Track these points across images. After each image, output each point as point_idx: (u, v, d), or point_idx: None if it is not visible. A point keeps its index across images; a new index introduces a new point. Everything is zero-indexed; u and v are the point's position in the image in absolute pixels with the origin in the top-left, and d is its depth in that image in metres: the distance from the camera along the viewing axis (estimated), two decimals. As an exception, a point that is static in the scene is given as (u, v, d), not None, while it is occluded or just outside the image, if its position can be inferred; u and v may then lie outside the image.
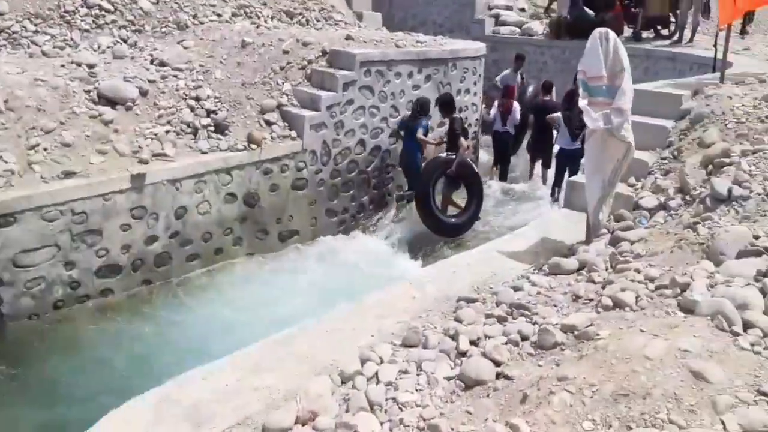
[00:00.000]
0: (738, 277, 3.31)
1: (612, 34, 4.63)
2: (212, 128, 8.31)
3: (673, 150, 5.74)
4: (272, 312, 6.63)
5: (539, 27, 16.36)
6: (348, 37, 9.95)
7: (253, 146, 8.12)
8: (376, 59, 9.23)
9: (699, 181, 4.98)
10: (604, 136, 4.66)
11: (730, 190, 4.37)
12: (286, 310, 6.55)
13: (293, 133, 8.61)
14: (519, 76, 12.53)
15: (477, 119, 11.40)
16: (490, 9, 17.38)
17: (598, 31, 4.64)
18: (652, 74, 12.67)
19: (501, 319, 3.67)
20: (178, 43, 10.37)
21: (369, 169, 9.60)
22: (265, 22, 12.05)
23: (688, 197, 4.95)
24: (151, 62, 9.33)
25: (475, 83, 11.09)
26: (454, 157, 9.02)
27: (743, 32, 13.90)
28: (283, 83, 9.20)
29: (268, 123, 8.68)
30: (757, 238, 3.65)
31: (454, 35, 17.02)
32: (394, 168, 9.96)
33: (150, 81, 8.63)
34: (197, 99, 8.58)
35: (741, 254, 3.57)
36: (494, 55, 16.49)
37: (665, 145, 5.92)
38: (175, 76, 8.98)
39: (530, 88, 12.46)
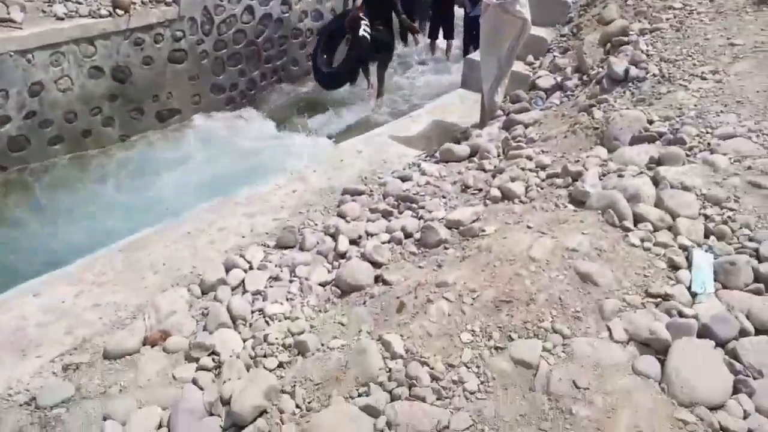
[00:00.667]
0: (631, 165, 3.15)
1: None
2: (71, -12, 7.14)
3: (572, 27, 5.45)
4: (141, 209, 6.07)
5: None
6: None
7: (119, 12, 7.09)
8: None
9: (597, 60, 4.75)
10: (498, 12, 4.27)
11: (626, 71, 4.17)
12: (157, 206, 6.00)
13: (167, -2, 7.58)
14: None
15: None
16: None
17: None
18: None
19: (386, 214, 3.39)
20: None
21: (259, 40, 8.76)
22: None
23: (585, 77, 4.74)
24: None
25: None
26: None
27: None
28: (157, -65, 7.96)
29: (139, -16, 7.57)
30: (651, 122, 3.49)
31: None
32: (288, 39, 9.17)
33: (-6, -75, 7.19)
34: (56, -49, 7.27)
35: (634, 140, 3.41)
36: None
37: (565, 21, 5.61)
38: None
39: None
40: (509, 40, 4.36)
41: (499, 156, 3.96)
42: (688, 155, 3.10)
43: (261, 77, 9.03)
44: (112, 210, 6.21)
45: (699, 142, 3.18)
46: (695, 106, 3.52)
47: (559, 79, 4.91)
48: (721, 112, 3.40)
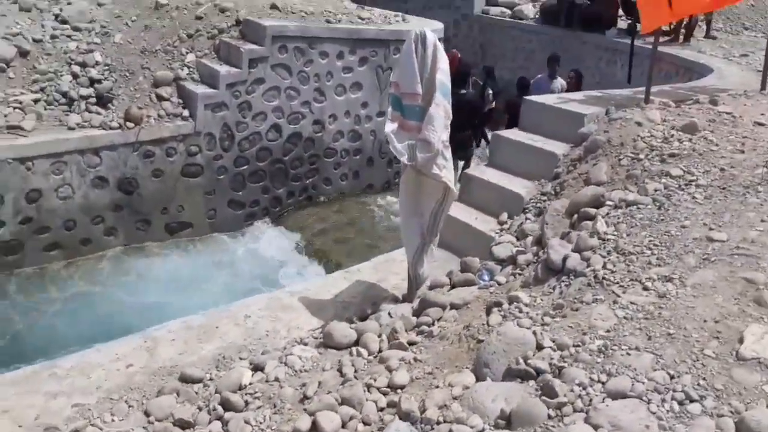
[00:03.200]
0: (473, 418, 2.28)
1: (431, 37, 3.54)
2: (93, 100, 7.37)
3: (556, 184, 4.63)
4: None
5: (531, 10, 14.93)
6: (273, 6, 8.81)
7: (130, 125, 7.16)
8: (292, 34, 8.14)
9: (558, 233, 3.89)
10: (416, 173, 3.59)
11: (564, 260, 3.29)
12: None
13: (186, 112, 7.61)
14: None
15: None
16: (483, -15, 15.95)
17: (414, 33, 3.55)
18: (635, 76, 11.33)
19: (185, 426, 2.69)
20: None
21: (287, 158, 8.57)
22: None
23: (542, 252, 3.87)
24: (55, 18, 8.38)
25: (427, 69, 9.87)
26: None
27: (687, 39, 11.73)
28: (187, 53, 8.18)
29: (160, 98, 7.71)
30: (540, 348, 2.59)
31: (441, 12, 15.80)
32: (320, 159, 8.93)
33: (35, 40, 7.71)
34: (83, 65, 7.61)
35: (508, 374, 2.52)
36: (482, 37, 15.25)
37: (551, 176, 4.80)
38: (69, 37, 8.03)
39: None
40: (432, 205, 3.65)
41: (380, 352, 3.17)
42: (550, 417, 2.19)
43: (288, 195, 8.76)
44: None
45: (579, 396, 2.26)
46: (608, 332, 2.59)
47: (513, 251, 4.07)
48: (636, 349, 2.45)
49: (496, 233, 4.54)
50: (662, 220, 3.46)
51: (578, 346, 2.53)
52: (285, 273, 7.36)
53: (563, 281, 3.20)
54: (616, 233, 3.45)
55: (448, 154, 3.55)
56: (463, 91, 9.19)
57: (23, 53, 7.42)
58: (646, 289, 2.84)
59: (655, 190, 3.87)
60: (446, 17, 15.82)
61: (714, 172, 4.01)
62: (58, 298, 6.44)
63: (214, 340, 3.41)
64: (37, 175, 6.62)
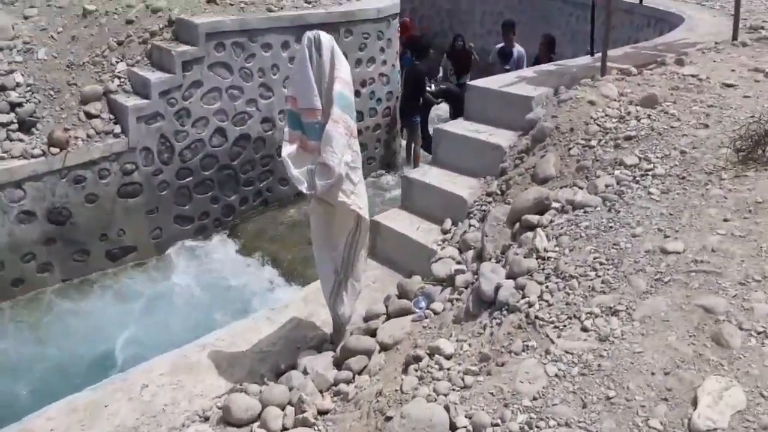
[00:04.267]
0: None
1: (326, 41, 2.96)
2: (15, 126, 6.77)
3: (502, 182, 4.07)
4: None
5: (495, -29, 14.16)
6: (209, 0, 8.15)
7: (54, 150, 6.57)
8: (229, 29, 7.50)
9: (499, 247, 3.35)
10: (321, 202, 3.04)
11: (497, 290, 2.76)
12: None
13: (118, 128, 7.02)
14: None
15: (389, 92, 9.60)
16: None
17: (307, 37, 2.97)
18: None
19: None
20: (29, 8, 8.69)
21: (236, 162, 7.99)
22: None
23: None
24: (-27, 39, 7.72)
25: (382, 50, 9.27)
26: None
27: None
28: (117, 63, 7.55)
29: (90, 116, 7.10)
30: (454, 429, 2.07)
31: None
32: (273, 159, 8.34)
33: (-50, 66, 7.07)
34: (2, 88, 6.99)
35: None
36: (449, 3, 14.59)
37: (498, 172, 4.24)
38: (-11, 58, 7.37)
39: None
40: (343, 237, 3.11)
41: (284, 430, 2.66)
42: None
43: (241, 202, 8.20)
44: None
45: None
46: (535, 399, 2.06)
47: (455, 267, 3.53)
48: (567, 425, 1.93)
49: (438, 245, 4.01)
50: (611, 228, 2.91)
51: (497, 425, 2.00)
52: (243, 291, 6.87)
53: (495, 318, 2.67)
54: (557, 249, 2.91)
55: (356, 176, 2.99)
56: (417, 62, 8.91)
57: (-65, 81, 6.80)
58: (585, 330, 2.31)
59: (606, 186, 3.33)
60: (411, -18, 15.14)
61: (674, 157, 3.46)
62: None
63: (99, 425, 2.90)
64: (-49, 217, 6.06)
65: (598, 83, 4.54)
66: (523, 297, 2.65)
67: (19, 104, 6.90)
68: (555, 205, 3.35)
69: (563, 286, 2.62)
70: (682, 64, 5.42)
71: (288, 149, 3.03)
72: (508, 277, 2.83)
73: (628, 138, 3.75)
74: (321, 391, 2.84)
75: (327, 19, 8.38)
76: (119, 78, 7.43)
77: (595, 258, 2.72)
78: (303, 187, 2.95)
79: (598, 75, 4.73)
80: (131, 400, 3.06)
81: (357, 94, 8.98)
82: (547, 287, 2.65)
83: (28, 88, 7.14)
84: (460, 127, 4.63)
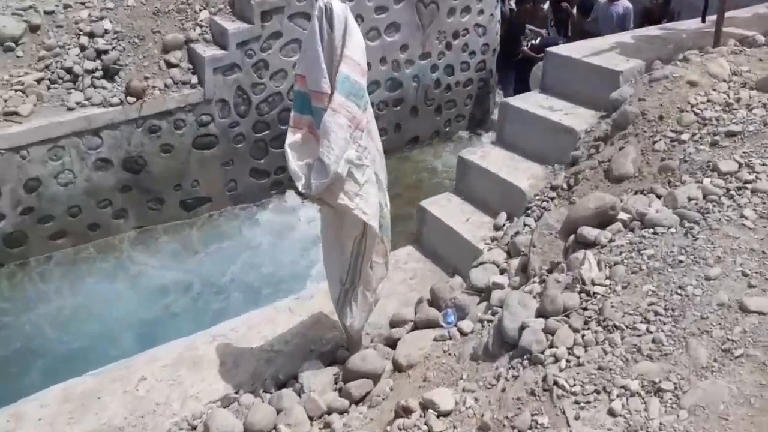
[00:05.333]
0: None
1: (339, 8, 2.49)
2: (100, 73, 6.82)
3: (571, 175, 3.46)
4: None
5: None
6: (298, -56, 7.69)
7: (131, 99, 6.56)
8: (310, -23, 7.06)
9: (546, 264, 2.82)
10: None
11: (522, 330, 2.27)
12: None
13: (195, 79, 6.89)
14: None
15: (484, 45, 8.85)
16: None
17: (318, 6, 2.51)
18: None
19: None
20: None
21: (314, 117, 7.69)
22: None
23: (532, 283, 2.84)
24: (70, -17, 7.83)
25: (479, -1, 8.49)
26: None
27: None
28: (201, 11, 7.37)
29: (170, 65, 7.01)
30: None
31: None
32: (354, 113, 7.96)
33: (47, 13, 7.19)
34: (91, 35, 7.04)
35: None
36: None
37: (568, 161, 3.61)
38: (83, 4, 7.43)
39: None
40: (350, 244, 2.68)
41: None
42: None
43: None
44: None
45: None
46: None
47: (494, 278, 3.04)
48: None
49: (486, 243, 3.50)
50: (681, 262, 2.30)
51: None
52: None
53: (513, 367, 2.20)
54: (609, 283, 2.35)
55: (364, 175, 2.54)
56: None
57: (33, 28, 6.92)
58: (612, 414, 1.80)
59: (689, 200, 2.67)
60: None
61: (785, 167, 2.71)
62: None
63: (87, 420, 2.76)
64: (33, 163, 6.22)
65: (707, 57, 3.72)
66: (551, 346, 2.14)
67: (105, 51, 6.91)
68: (622, 216, 2.75)
69: (603, 338, 2.09)
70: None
71: (291, 137, 2.64)
72: (539, 314, 2.32)
73: (730, 134, 3.01)
74: (311, 419, 2.52)
75: (421, -37, 7.72)
76: (201, 27, 7.26)
77: (651, 304, 2.14)
78: (300, 184, 2.56)
79: (710, 45, 3.89)
80: (126, 393, 2.91)
81: (448, 46, 8.36)
82: (582, 336, 2.13)
83: (115, 35, 7.12)
84: (532, 102, 4.00)
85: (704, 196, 2.65)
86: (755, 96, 3.28)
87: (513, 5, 8.97)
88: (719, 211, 2.54)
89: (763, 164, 2.75)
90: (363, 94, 2.51)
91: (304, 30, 7.22)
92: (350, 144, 2.46)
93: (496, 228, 3.60)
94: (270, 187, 7.70)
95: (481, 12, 8.58)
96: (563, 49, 4.08)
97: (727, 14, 5.01)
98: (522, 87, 8.56)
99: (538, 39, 9.19)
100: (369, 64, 7.71)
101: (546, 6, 9.69)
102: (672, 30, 4.48)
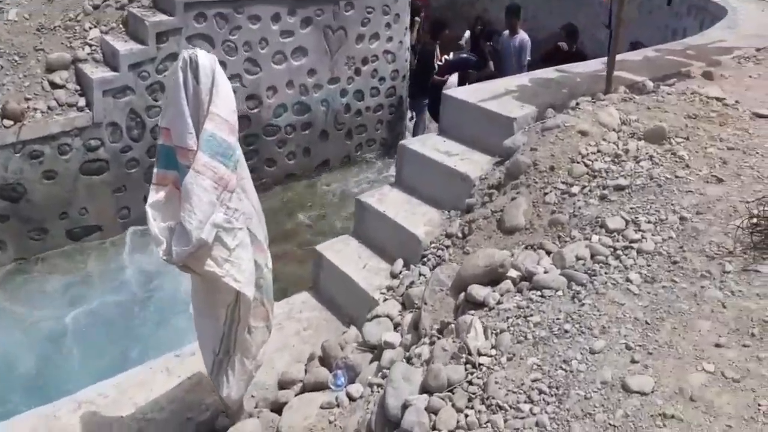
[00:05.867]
0: None
1: (205, 60, 2.29)
2: (-28, 92, 6.23)
3: (465, 223, 3.38)
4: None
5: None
6: (198, -38, 7.38)
7: (8, 122, 6.02)
8: (211, -1, 6.77)
9: (439, 319, 2.70)
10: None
11: (404, 409, 2.12)
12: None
13: (83, 101, 6.42)
14: None
15: (394, 71, 8.81)
16: None
17: (182, 57, 2.30)
18: (644, 13, 9.71)
19: None
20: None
21: (215, 142, 7.34)
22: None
23: (422, 344, 2.69)
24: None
25: (388, 25, 8.45)
26: None
27: None
28: (91, 29, 6.91)
29: (54, 85, 6.51)
30: None
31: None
32: (259, 138, 7.72)
33: None
34: (-38, 50, 6.44)
35: None
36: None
37: (464, 207, 3.53)
38: (-42, 19, 6.81)
39: None
40: (223, 309, 2.47)
41: None
42: None
43: (220, 183, 7.58)
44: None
45: None
46: None
47: (386, 336, 2.89)
48: None
49: (382, 293, 3.36)
50: (566, 332, 2.23)
51: None
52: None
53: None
54: (494, 353, 2.24)
55: (234, 239, 2.33)
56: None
57: None
58: None
59: (578, 259, 2.63)
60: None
61: (671, 223, 2.72)
62: None
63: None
64: None
65: (598, 105, 3.76)
66: (434, 428, 2.01)
67: (-21, 69, 6.34)
68: (512, 273, 2.67)
69: (486, 420, 1.97)
70: (710, 79, 4.59)
71: (154, 196, 2.40)
72: (423, 389, 2.18)
73: (619, 188, 3.02)
74: None
75: (325, -10, 7.59)
76: (90, 46, 6.81)
77: (535, 380, 2.05)
78: (160, 250, 2.31)
79: (602, 91, 3.94)
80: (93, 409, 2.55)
81: (357, 72, 8.26)
82: (466, 417, 2.01)
83: (-8, 52, 6.56)
84: (429, 144, 3.91)
85: (592, 256, 2.62)
86: (642, 147, 3.32)
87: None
88: (606, 273, 2.50)
89: (649, 221, 2.76)
90: (232, 153, 2.30)
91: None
92: (217, 207, 2.25)
93: (393, 275, 3.46)
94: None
95: (390, 39, 8.56)
96: (460, 93, 4.02)
97: (619, 57, 5.18)
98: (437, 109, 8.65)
99: (452, 54, 9.27)
100: (275, 88, 7.57)
101: (465, 36, 9.83)
102: (568, 72, 4.54)
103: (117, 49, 6.46)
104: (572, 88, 4.14)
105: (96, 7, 7.07)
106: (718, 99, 3.97)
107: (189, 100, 2.27)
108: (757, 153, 3.25)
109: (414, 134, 8.92)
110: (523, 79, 4.34)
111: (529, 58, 7.94)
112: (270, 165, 7.95)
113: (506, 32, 8.17)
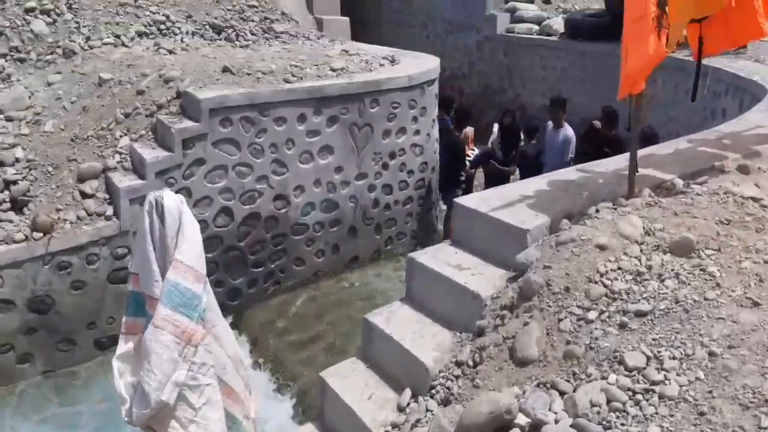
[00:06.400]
0: None
1: (171, 203, 2.19)
2: (7, 206, 6.42)
3: (476, 349, 3.11)
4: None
5: (561, 24, 13.13)
6: (225, 69, 7.65)
7: (37, 235, 6.13)
8: (236, 104, 6.92)
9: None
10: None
11: None
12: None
13: (110, 210, 6.53)
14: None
15: (423, 163, 8.77)
16: (506, 1, 14.35)
17: (148, 200, 2.21)
18: (681, 93, 9.53)
19: None
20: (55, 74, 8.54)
21: (243, 243, 7.35)
22: (182, 41, 9.93)
23: None
24: (-9, 107, 7.57)
25: (414, 119, 8.47)
26: None
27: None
28: (121, 137, 7.13)
29: (84, 195, 6.67)
30: None
31: (463, 35, 14.43)
32: (287, 237, 7.66)
33: (-48, 138, 6.88)
34: (1, 164, 6.70)
35: None
36: (507, 59, 13.64)
37: (474, 330, 3.27)
38: (-5, 129, 7.16)
39: None
40: None
41: None
42: None
43: (249, 284, 7.53)
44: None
45: None
46: None
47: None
48: None
49: (387, 431, 3.08)
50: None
51: None
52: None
53: None
54: None
55: (201, 397, 2.15)
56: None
57: (-62, 154, 6.58)
58: None
59: (592, 406, 2.32)
60: (469, 39, 14.43)
61: (698, 359, 2.41)
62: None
63: None
64: (-77, 308, 5.69)
65: (619, 212, 3.51)
66: None
67: (14, 182, 6.56)
68: (520, 420, 2.38)
69: None
70: (746, 173, 4.29)
71: (123, 347, 2.26)
72: None
73: (640, 314, 2.73)
74: None
75: (348, 89, 7.71)
76: (120, 154, 7.00)
77: None
78: (123, 410, 2.14)
79: (620, 199, 3.69)
80: None
81: (385, 166, 8.24)
82: None
83: (27, 164, 6.83)
84: (441, 257, 3.69)
85: (608, 402, 2.31)
86: (668, 262, 3.03)
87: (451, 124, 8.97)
88: (623, 425, 2.19)
89: (673, 357, 2.45)
90: (197, 302, 2.16)
91: (231, 156, 7.02)
92: (180, 364, 2.08)
93: (400, 408, 3.19)
94: (195, 318, 7.20)
95: (417, 132, 8.55)
96: (470, 201, 3.83)
97: (647, 151, 4.94)
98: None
99: (476, 149, 9.22)
100: (302, 187, 7.58)
101: (494, 132, 9.75)
102: (589, 173, 4.32)
103: (144, 156, 6.60)
104: (593, 192, 3.90)
105: (127, 115, 7.31)
106: (754, 199, 3.66)
107: (156, 244, 2.16)
108: (799, 264, 2.92)
109: (444, 227, 8.75)
110: (541, 182, 4.13)
111: (572, 155, 7.69)
112: (298, 264, 7.86)
113: (549, 123, 7.98)
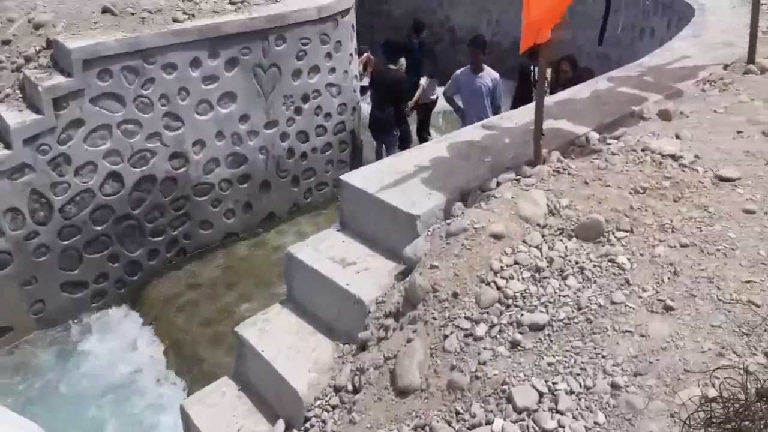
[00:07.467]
0: None
1: None
2: None
3: (356, 370, 2.62)
4: None
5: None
6: (106, 10, 6.60)
7: None
8: (114, 52, 6.01)
9: None
10: None
11: None
12: None
13: (-29, 189, 5.69)
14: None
15: (341, 105, 8.05)
16: None
17: None
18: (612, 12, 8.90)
19: None
20: None
21: (138, 211, 6.61)
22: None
23: None
24: None
25: (329, 55, 7.68)
26: None
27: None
28: (-17, 98, 6.16)
29: (-63, 173, 5.75)
30: None
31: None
32: (189, 200, 6.96)
33: None
34: None
35: None
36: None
37: (358, 342, 2.77)
38: None
39: None
40: None
41: None
42: None
43: (149, 255, 6.85)
44: None
45: None
46: None
47: None
48: None
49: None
50: None
51: None
52: (138, 387, 5.64)
53: None
54: None
55: None
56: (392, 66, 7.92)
57: None
58: None
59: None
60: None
61: (598, 395, 1.97)
62: None
63: None
64: None
65: (521, 186, 3.00)
66: None
67: None
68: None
69: None
70: (668, 119, 3.84)
71: None
72: None
73: (535, 327, 2.27)
74: None
75: (249, 26, 6.84)
76: (-18, 119, 6.04)
77: None
78: None
79: (524, 167, 3.17)
80: None
81: (298, 111, 7.51)
82: None
83: None
84: (321, 252, 3.11)
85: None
86: (572, 251, 2.57)
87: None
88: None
89: (570, 391, 2.01)
90: None
91: (115, 113, 6.18)
92: None
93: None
94: (90, 299, 6.55)
95: (333, 70, 7.79)
96: (358, 178, 3.24)
97: (565, 95, 4.42)
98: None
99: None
100: (203, 141, 6.82)
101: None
102: (496, 129, 3.77)
103: (7, 123, 5.71)
104: (497, 156, 3.37)
105: (-10, 72, 6.32)
106: (673, 157, 3.21)
107: None
108: (718, 250, 2.49)
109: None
110: (440, 146, 3.56)
111: (501, 99, 6.83)
112: (205, 228, 7.20)
113: (465, 68, 6.80)
